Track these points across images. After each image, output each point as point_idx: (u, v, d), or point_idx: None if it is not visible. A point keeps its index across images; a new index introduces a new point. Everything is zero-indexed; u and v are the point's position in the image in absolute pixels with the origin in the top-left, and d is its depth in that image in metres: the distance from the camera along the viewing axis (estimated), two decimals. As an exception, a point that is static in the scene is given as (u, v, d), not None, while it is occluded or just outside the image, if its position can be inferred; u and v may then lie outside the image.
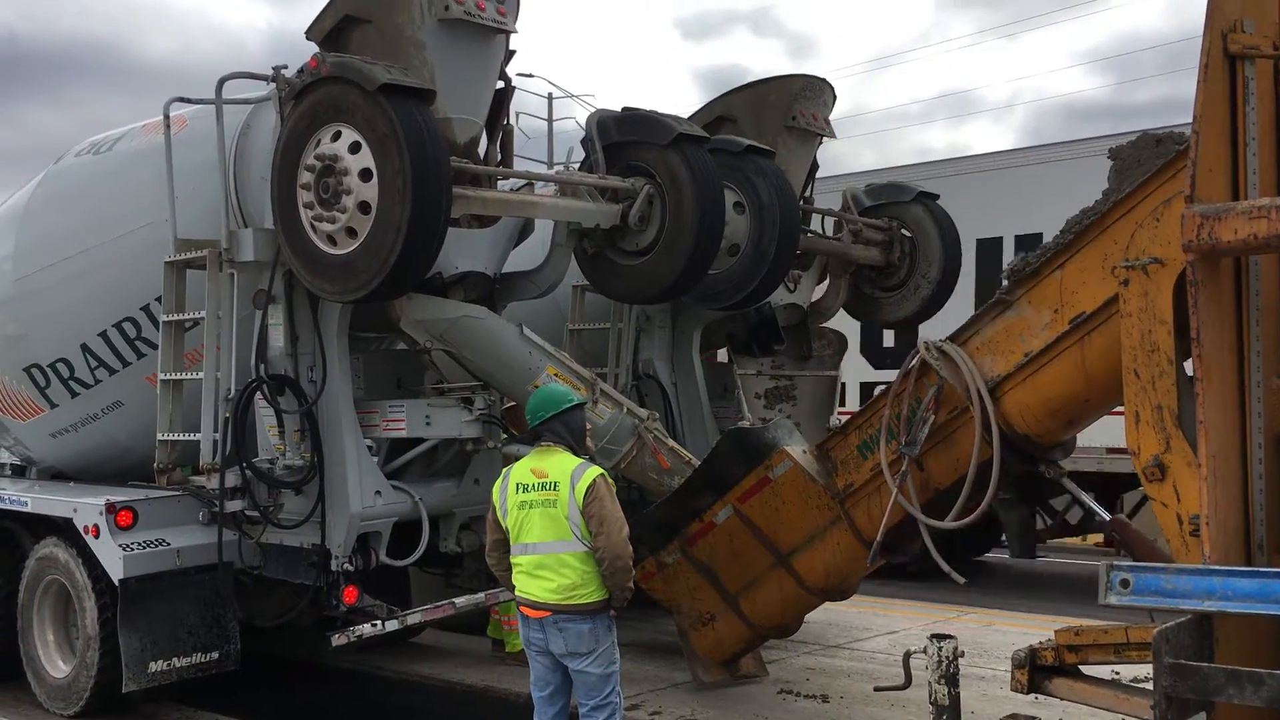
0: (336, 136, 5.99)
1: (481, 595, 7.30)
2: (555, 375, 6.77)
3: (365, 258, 5.91)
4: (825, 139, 8.89)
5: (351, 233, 5.96)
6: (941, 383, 6.44)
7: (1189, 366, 5.52)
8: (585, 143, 7.38)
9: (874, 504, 7.06)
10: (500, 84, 7.16)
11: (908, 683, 5.94)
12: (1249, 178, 4.86)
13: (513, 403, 7.43)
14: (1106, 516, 6.31)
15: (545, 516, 5.19)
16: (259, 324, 6.72)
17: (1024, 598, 11.71)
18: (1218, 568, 4.33)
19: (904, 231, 9.29)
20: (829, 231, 9.43)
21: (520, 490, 5.26)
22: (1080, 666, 5.26)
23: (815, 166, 9.16)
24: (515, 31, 6.91)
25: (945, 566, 6.72)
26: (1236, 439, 4.95)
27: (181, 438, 7.09)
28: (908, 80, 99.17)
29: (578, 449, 5.42)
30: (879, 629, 9.54)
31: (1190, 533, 5.39)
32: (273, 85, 6.60)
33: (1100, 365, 5.96)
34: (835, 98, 8.85)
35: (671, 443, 7.08)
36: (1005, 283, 6.47)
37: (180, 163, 7.05)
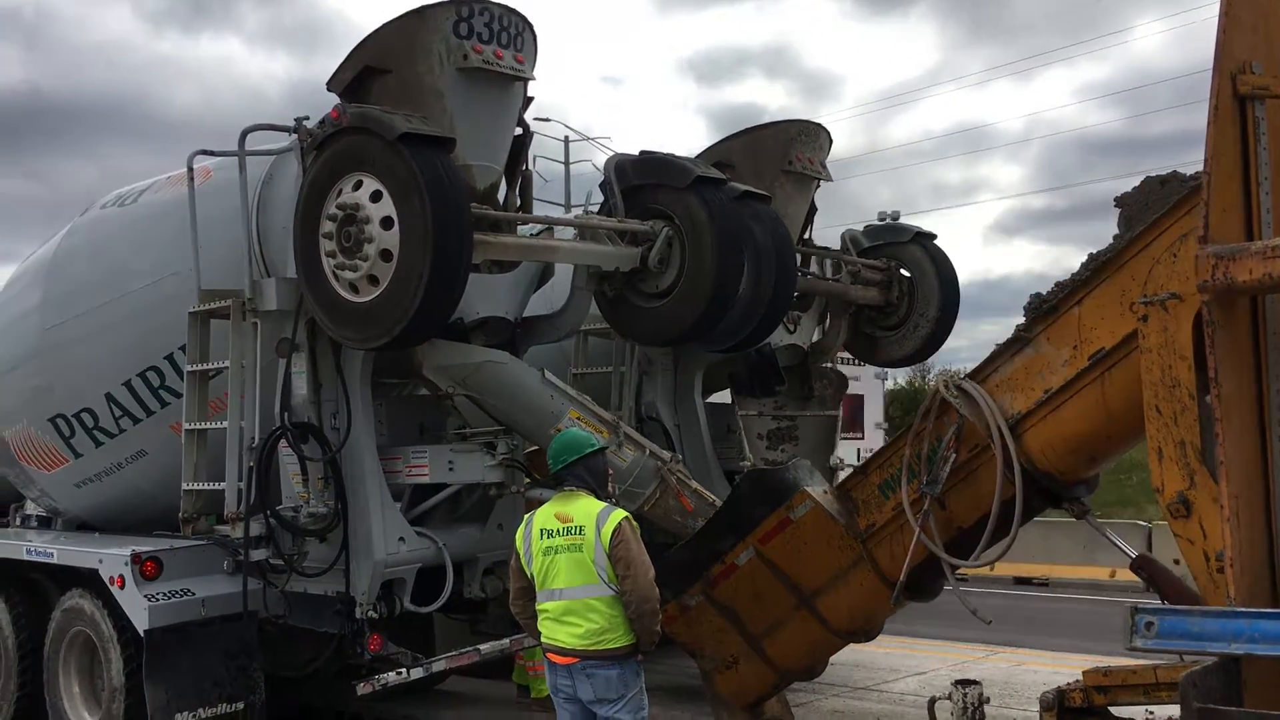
0: (358, 186, 6.08)
1: (506, 641, 7.27)
2: (578, 419, 6.79)
3: (387, 305, 5.97)
4: (822, 182, 9.03)
5: (373, 280, 6.03)
6: (961, 420, 6.44)
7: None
8: (604, 186, 7.45)
9: (896, 543, 7.02)
10: (518, 130, 7.25)
11: None
12: (1263, 216, 4.87)
13: (535, 447, 7.45)
14: (1132, 554, 6.28)
15: (571, 561, 5.19)
16: (282, 372, 6.78)
17: (1050, 635, 11.60)
18: (1244, 609, 4.29)
19: (902, 271, 9.38)
20: (829, 273, 9.51)
21: (545, 536, 5.27)
22: (1109, 707, 5.22)
23: (813, 209, 9.28)
24: (533, 79, 7.00)
25: (971, 606, 6.70)
26: (1259, 477, 4.92)
27: (206, 487, 7.13)
28: (921, 117, 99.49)
29: (600, 493, 5.43)
30: (907, 670, 9.46)
31: (1217, 570, 5.37)
32: (294, 136, 6.70)
33: (1121, 401, 5.95)
34: (831, 141, 9.02)
35: (695, 485, 7.09)
36: (1024, 319, 6.51)
37: (204, 214, 7.15)
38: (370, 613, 6.78)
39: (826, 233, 9.79)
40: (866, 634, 7.60)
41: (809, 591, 7.16)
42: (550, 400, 6.80)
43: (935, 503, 6.53)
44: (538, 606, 5.33)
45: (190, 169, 7.12)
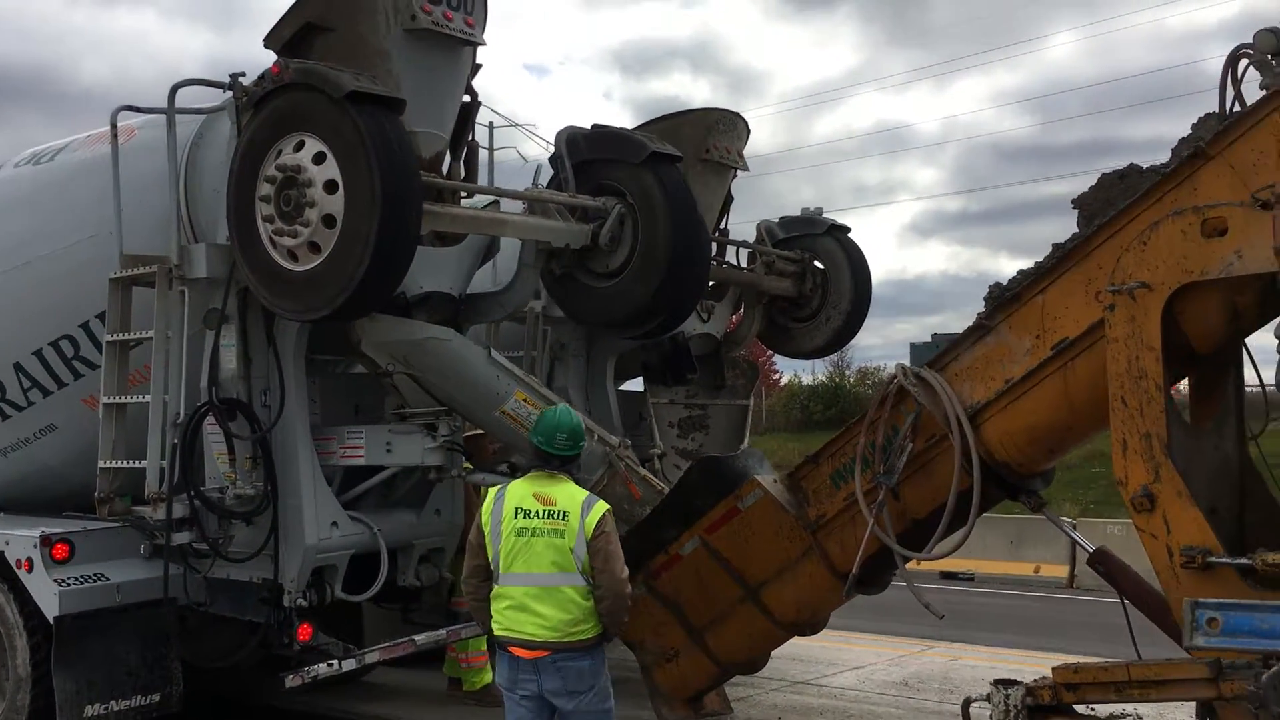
0: (300, 146, 5.70)
1: (443, 632, 6.98)
2: (525, 400, 6.51)
3: (330, 274, 5.61)
4: (739, 172, 8.91)
5: (315, 248, 5.66)
6: (920, 410, 6.30)
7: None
8: (554, 160, 7.16)
9: (848, 535, 6.87)
10: (466, 98, 6.93)
11: None
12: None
13: (476, 430, 7.15)
14: (1090, 548, 6.20)
15: (549, 547, 4.94)
16: (210, 345, 6.39)
17: (981, 630, 11.60)
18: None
19: (816, 263, 9.30)
20: (744, 263, 9.42)
21: (520, 515, 5.00)
22: (1076, 706, 5.09)
23: (729, 199, 9.16)
24: (484, 44, 6.68)
25: (924, 600, 6.57)
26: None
27: (124, 465, 6.70)
28: (843, 116, 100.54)
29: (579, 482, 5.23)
30: (845, 664, 9.35)
31: (1182, 565, 5.29)
32: (229, 94, 6.31)
33: (1084, 392, 5.85)
34: (749, 131, 8.94)
35: (644, 471, 6.86)
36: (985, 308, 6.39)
37: (127, 175, 6.69)
38: (299, 600, 6.44)
39: (746, 228, 9.77)
40: (812, 627, 7.44)
41: (755, 583, 6.97)
42: (496, 380, 6.50)
43: (889, 494, 6.40)
44: (497, 590, 5.05)
45: (114, 125, 6.66)
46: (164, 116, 6.67)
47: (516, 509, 5.03)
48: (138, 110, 6.68)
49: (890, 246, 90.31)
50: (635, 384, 9.46)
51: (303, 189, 5.62)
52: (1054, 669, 4.90)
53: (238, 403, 6.40)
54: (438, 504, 7.21)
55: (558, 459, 5.17)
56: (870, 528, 6.42)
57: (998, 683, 5.11)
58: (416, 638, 6.85)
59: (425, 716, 7.81)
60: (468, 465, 7.12)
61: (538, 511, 4.99)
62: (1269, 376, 6.01)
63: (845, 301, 9.41)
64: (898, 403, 6.43)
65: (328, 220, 5.59)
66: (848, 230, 9.60)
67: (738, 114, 8.88)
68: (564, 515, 4.98)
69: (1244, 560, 5.04)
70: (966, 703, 5.43)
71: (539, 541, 4.95)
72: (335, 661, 6.41)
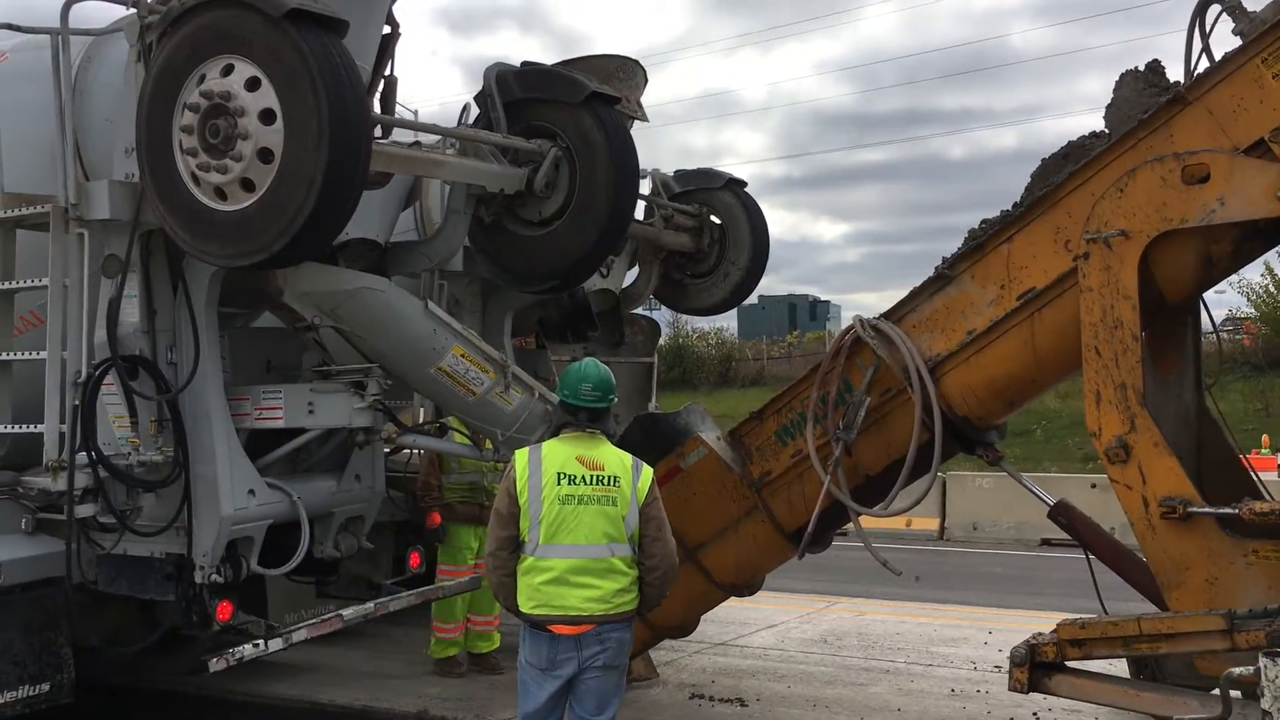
0: (228, 70, 5.02)
1: (371, 605, 6.48)
2: (463, 355, 6.04)
3: (266, 215, 4.99)
4: (638, 121, 8.59)
5: (248, 185, 5.02)
6: (878, 363, 6.13)
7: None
8: (481, 98, 6.63)
9: (795, 493, 6.69)
10: (386, 29, 6.36)
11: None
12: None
13: None
14: (1050, 501, 6.14)
15: (601, 515, 4.57)
16: (109, 295, 5.68)
17: (871, 584, 11.60)
18: None
19: (713, 218, 9.10)
20: (640, 217, 9.15)
21: (565, 481, 4.58)
22: (1084, 661, 4.98)
23: None
24: (411, -33, 6.15)
25: (882, 559, 6.44)
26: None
27: (10, 430, 5.95)
28: (671, 81, 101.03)
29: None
30: (757, 623, 9.21)
31: (1161, 515, 5.25)
32: (132, 11, 5.58)
33: (1051, 343, 5.77)
34: (647, 80, 8.59)
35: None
36: (944, 259, 6.24)
37: (1, 103, 5.93)
38: (214, 576, 5.84)
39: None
40: (750, 588, 7.25)
41: (694, 544, 6.74)
42: (433, 335, 6.00)
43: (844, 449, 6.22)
44: (532, 562, 4.62)
45: (-13, 47, 5.86)
46: (37, 38, 5.91)
47: (560, 474, 4.62)
48: (17, 29, 5.86)
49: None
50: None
51: (233, 118, 4.97)
52: (1059, 625, 4.78)
53: (142, 360, 5.73)
54: (357, 469, 6.67)
55: (586, 411, 4.77)
56: (825, 484, 6.24)
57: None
58: (344, 613, 6.32)
59: (339, 694, 7.27)
60: (391, 428, 6.59)
61: (584, 477, 4.61)
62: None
63: (744, 257, 9.16)
64: (851, 356, 6.25)
65: (264, 154, 4.96)
66: (744, 184, 9.37)
67: (637, 62, 8.48)
68: (614, 481, 4.63)
69: (1228, 510, 5.04)
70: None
71: (588, 510, 4.58)
72: (261, 642, 5.84)
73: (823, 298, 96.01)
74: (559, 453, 4.70)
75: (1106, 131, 5.71)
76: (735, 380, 38.39)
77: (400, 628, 8.46)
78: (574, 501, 4.59)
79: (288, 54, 4.89)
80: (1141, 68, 5.62)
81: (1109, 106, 5.65)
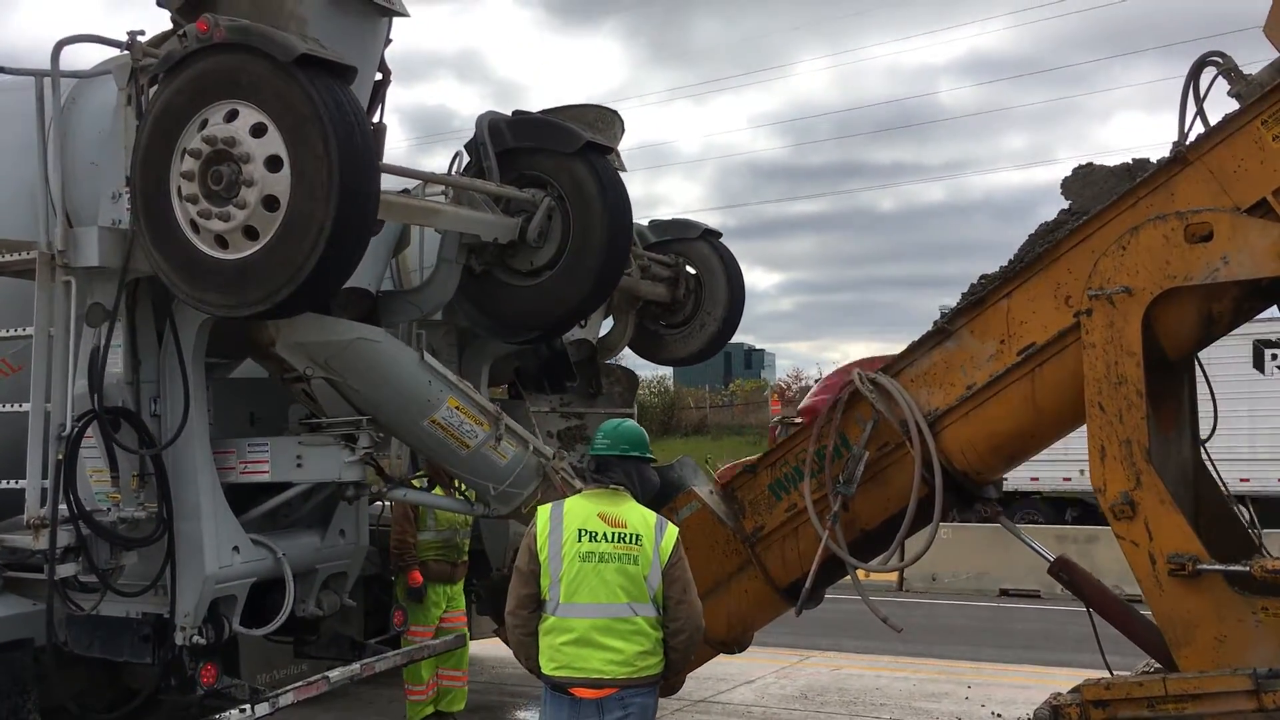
0: (232, 116, 4.88)
1: (356, 666, 6.25)
2: (458, 408, 5.90)
3: (270, 264, 4.84)
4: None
5: (251, 233, 4.87)
6: (877, 417, 6.10)
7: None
8: (473, 147, 6.55)
9: (789, 548, 6.62)
10: (378, 76, 6.27)
11: None
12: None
13: None
14: (1050, 557, 6.13)
15: (622, 574, 4.45)
16: (92, 344, 5.45)
17: (843, 637, 11.55)
18: None
19: (689, 269, 9.10)
20: None
21: (586, 539, 4.45)
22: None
23: None
24: (406, 14, 6.06)
25: (881, 614, 6.37)
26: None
27: (-12, 485, 5.69)
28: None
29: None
30: (734, 678, 9.08)
31: (1169, 572, 5.25)
32: (123, 53, 5.42)
33: (1051, 399, 5.79)
34: (624, 130, 8.58)
35: (580, 484, 6.34)
36: (941, 314, 6.26)
37: (-22, 146, 5.73)
38: (195, 637, 5.61)
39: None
40: (740, 644, 7.14)
41: (685, 600, 6.62)
42: (428, 386, 5.85)
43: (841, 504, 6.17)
44: (553, 622, 4.48)
45: (-33, 88, 5.65)
46: (14, 79, 5.73)
47: (580, 531, 4.50)
48: (3, 70, 5.66)
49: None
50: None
51: (237, 165, 4.83)
52: (1083, 685, 4.73)
53: (125, 411, 5.51)
54: (342, 524, 6.48)
55: (618, 470, 4.70)
56: (824, 539, 6.18)
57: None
58: (330, 674, 6.08)
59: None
60: (375, 480, 6.41)
61: (606, 534, 4.49)
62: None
63: (720, 308, 9.14)
64: (849, 409, 6.22)
65: (269, 202, 4.82)
66: (719, 235, 9.38)
67: (615, 112, 8.49)
68: (637, 539, 4.49)
69: (1238, 567, 5.05)
70: None
71: (609, 568, 4.45)
72: (247, 707, 5.59)
73: (758, 346, 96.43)
74: (581, 509, 4.61)
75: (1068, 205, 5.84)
76: (678, 428, 38.38)
77: (370, 687, 8.20)
78: (594, 559, 4.48)
79: (297, 100, 4.77)
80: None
81: (1066, 180, 5.81)
